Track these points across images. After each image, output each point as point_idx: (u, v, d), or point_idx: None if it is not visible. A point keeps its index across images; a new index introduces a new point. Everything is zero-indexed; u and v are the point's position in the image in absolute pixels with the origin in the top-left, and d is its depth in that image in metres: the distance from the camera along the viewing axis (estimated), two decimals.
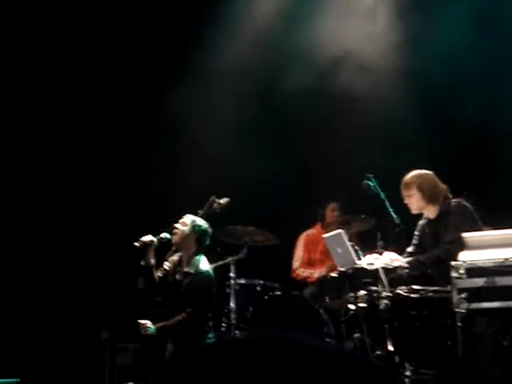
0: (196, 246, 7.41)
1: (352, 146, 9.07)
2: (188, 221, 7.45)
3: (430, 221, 6.93)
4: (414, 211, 6.94)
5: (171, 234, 7.48)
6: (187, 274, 7.33)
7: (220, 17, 9.51)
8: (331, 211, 8.84)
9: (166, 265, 7.54)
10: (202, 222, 7.49)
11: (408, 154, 8.66)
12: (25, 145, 9.75)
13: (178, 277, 7.39)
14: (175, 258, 7.56)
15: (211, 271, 7.40)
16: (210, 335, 7.31)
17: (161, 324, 7.24)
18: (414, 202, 6.86)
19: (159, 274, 7.48)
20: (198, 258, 7.37)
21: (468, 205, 6.76)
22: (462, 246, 5.98)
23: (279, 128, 9.54)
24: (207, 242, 7.47)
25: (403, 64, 9.08)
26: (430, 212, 6.88)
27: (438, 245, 6.71)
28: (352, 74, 9.12)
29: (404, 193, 6.90)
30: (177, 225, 7.45)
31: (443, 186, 6.88)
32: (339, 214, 8.72)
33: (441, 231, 6.76)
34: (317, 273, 8.51)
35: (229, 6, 9.56)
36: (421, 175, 6.88)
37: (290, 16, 9.40)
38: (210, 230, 7.48)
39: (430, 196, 6.81)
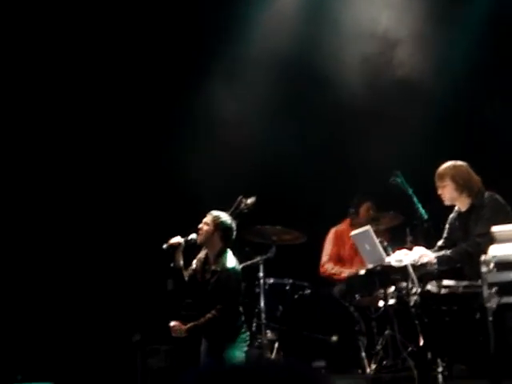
0: (221, 244, 7.37)
1: (382, 140, 9.03)
2: (211, 219, 7.43)
3: (460, 214, 6.89)
4: (447, 202, 6.91)
5: (198, 234, 7.48)
6: (214, 272, 7.31)
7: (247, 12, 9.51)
8: (366, 210, 8.78)
9: (194, 263, 7.54)
10: (225, 218, 7.43)
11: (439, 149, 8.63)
12: (38, 141, 9.77)
13: (206, 276, 7.39)
14: (201, 255, 7.54)
15: (238, 267, 7.35)
16: (243, 331, 7.29)
17: (191, 324, 7.24)
18: (447, 192, 6.83)
19: (188, 274, 7.48)
20: (224, 255, 7.34)
21: (501, 199, 6.70)
22: (492, 240, 5.92)
23: (309, 121, 9.50)
24: (233, 238, 7.42)
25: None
26: (463, 204, 6.84)
27: (468, 238, 6.66)
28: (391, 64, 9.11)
29: (438, 183, 6.87)
30: (201, 224, 7.44)
31: (477, 178, 6.83)
32: (373, 213, 8.67)
33: (471, 224, 6.71)
34: (346, 272, 8.47)
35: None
36: (455, 166, 6.85)
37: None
38: (234, 226, 7.41)
39: (463, 187, 6.78)
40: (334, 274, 8.71)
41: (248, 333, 7.33)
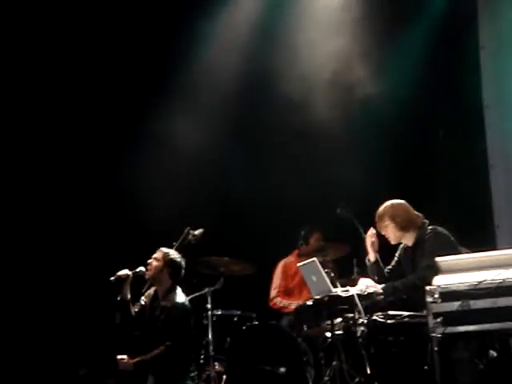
0: (170, 281, 7.39)
1: (328, 170, 9.07)
2: (161, 255, 7.43)
3: (406, 249, 6.96)
4: (393, 242, 6.99)
5: (147, 268, 7.45)
6: (164, 309, 7.29)
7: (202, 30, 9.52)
8: (316, 240, 8.83)
9: (143, 299, 7.51)
10: (175, 256, 7.46)
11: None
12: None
13: (155, 312, 7.35)
14: (151, 291, 7.53)
15: (187, 303, 7.36)
16: (192, 369, 7.28)
17: (139, 359, 7.20)
18: (390, 232, 6.92)
19: (136, 308, 7.44)
20: (173, 291, 7.33)
21: (444, 231, 6.78)
22: (437, 271, 5.99)
23: (254, 152, 9.51)
24: (181, 275, 7.43)
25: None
26: (408, 240, 6.92)
27: (416, 271, 6.72)
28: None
29: (379, 225, 6.95)
30: (150, 260, 7.44)
31: (416, 214, 6.91)
32: (322, 243, 8.71)
33: (418, 258, 6.78)
34: (294, 304, 8.48)
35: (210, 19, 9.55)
36: (392, 205, 6.94)
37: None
38: (183, 264, 7.45)
39: (403, 225, 6.85)
40: (283, 308, 8.74)
41: (196, 372, 7.34)
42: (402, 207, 6.93)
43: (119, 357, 7.24)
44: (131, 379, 7.32)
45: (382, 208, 6.96)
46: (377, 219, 6.96)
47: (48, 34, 9.54)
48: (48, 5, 9.51)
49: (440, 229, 6.79)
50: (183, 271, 7.43)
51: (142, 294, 7.58)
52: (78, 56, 9.61)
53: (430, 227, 6.83)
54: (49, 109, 9.69)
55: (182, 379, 7.20)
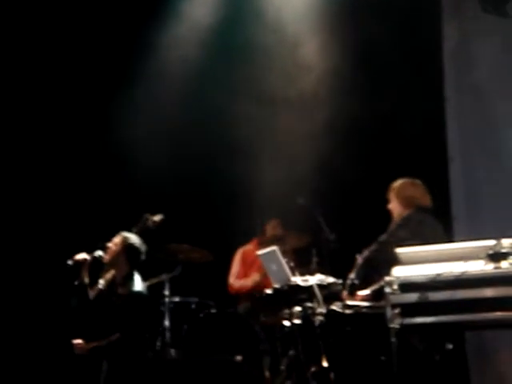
0: (128, 266, 7.31)
1: (289, 159, 9.05)
2: (120, 240, 7.36)
3: None
4: (395, 216, 7.03)
5: (105, 251, 7.39)
6: (120, 296, 7.23)
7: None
8: (273, 228, 8.84)
9: (100, 284, 7.45)
10: (134, 240, 7.38)
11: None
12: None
13: (113, 298, 7.29)
14: (109, 276, 7.46)
15: (145, 291, 7.31)
16: (148, 355, 7.25)
17: (94, 344, 7.15)
18: (393, 207, 7.03)
19: (93, 292, 7.38)
20: (131, 278, 7.27)
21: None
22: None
23: (214, 138, 9.46)
24: (140, 261, 7.37)
25: None
26: None
27: None
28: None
29: (388, 197, 7.08)
30: (109, 243, 7.36)
31: (421, 196, 6.96)
32: (280, 231, 8.72)
33: None
34: (249, 280, 8.50)
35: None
36: (401, 183, 7.07)
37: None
38: (143, 249, 7.38)
39: (404, 203, 6.95)
40: (241, 289, 8.73)
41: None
42: (410, 187, 7.02)
43: (75, 341, 7.19)
44: (86, 364, 7.28)
45: (394, 183, 7.08)
46: (388, 191, 7.09)
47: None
48: None
49: (414, 215, 6.82)
50: (142, 257, 7.35)
51: (100, 278, 7.52)
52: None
53: (417, 212, 6.86)
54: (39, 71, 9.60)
55: (136, 365, 7.17)
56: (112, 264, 7.37)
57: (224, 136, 9.18)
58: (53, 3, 9.48)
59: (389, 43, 8.76)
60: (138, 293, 7.21)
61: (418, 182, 7.08)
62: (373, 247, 6.67)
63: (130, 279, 7.26)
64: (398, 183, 7.08)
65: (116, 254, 7.31)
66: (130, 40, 9.48)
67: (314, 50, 9.06)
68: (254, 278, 8.61)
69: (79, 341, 7.18)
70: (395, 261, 5.94)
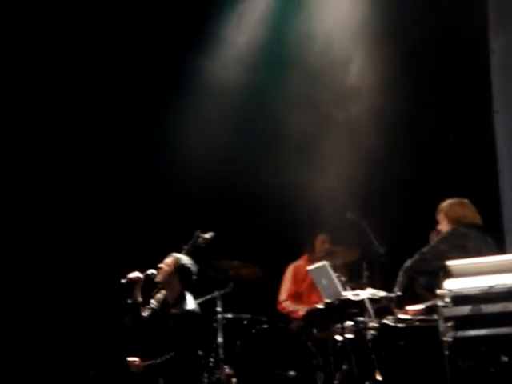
0: (181, 286, 7.38)
1: (335, 175, 9.05)
2: (172, 261, 7.43)
3: None
4: None
5: (157, 271, 7.46)
6: (174, 316, 7.29)
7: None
8: (321, 243, 8.85)
9: (153, 303, 7.51)
10: (186, 261, 7.45)
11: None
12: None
13: (166, 318, 7.36)
14: (161, 296, 7.52)
15: (198, 309, 7.37)
16: (204, 373, 7.31)
17: (150, 362, 7.21)
18: (442, 226, 6.99)
19: (146, 312, 7.45)
20: (183, 297, 7.33)
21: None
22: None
23: (264, 154, 9.51)
24: (192, 282, 7.45)
25: None
26: None
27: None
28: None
29: (437, 217, 7.07)
30: (161, 265, 7.43)
31: (470, 215, 6.94)
32: (327, 247, 8.72)
33: None
34: (302, 310, 8.50)
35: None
36: (450, 203, 7.04)
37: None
38: (195, 269, 7.45)
39: (453, 222, 6.91)
40: (292, 312, 8.75)
41: (206, 375, 7.38)
42: (458, 206, 6.99)
43: (130, 359, 7.25)
44: (141, 382, 7.34)
45: (442, 203, 7.05)
46: (436, 212, 7.07)
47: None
48: None
49: (456, 230, 6.80)
50: (194, 277, 7.43)
51: (152, 297, 7.59)
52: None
53: (462, 227, 6.85)
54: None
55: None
56: (164, 284, 7.44)
57: (274, 151, 9.23)
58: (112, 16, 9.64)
59: (435, 56, 8.76)
60: (191, 311, 7.27)
61: (466, 201, 7.04)
62: (414, 258, 6.68)
63: (183, 299, 7.33)
64: (446, 204, 7.04)
65: (168, 275, 7.37)
66: (180, 60, 9.61)
67: (363, 64, 9.08)
68: (302, 311, 8.56)
69: (134, 358, 7.25)
70: (435, 272, 5.93)
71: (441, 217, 7.03)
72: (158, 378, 7.22)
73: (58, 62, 9.71)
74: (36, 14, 9.59)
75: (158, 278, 7.42)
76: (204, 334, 7.45)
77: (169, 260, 7.44)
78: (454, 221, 6.92)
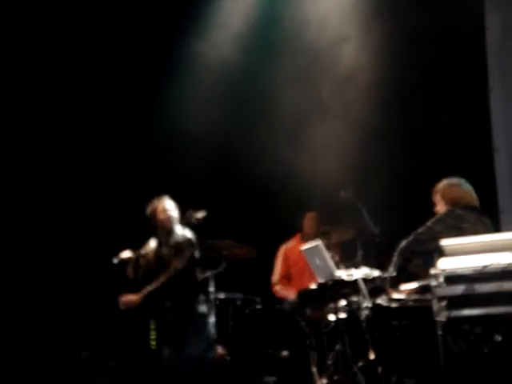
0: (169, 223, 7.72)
1: (333, 153, 9.01)
2: (172, 205, 7.72)
3: None
4: None
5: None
6: (172, 246, 7.55)
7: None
8: (309, 220, 8.82)
9: (144, 250, 7.62)
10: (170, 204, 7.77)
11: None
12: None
13: (163, 253, 7.48)
14: (152, 244, 7.59)
15: (192, 236, 7.66)
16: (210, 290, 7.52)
17: (145, 290, 7.25)
18: (439, 207, 6.92)
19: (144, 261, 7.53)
20: (176, 229, 7.63)
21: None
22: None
23: (256, 133, 9.45)
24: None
25: None
26: None
27: None
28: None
29: (433, 198, 6.99)
30: (167, 212, 7.56)
31: (466, 195, 6.87)
32: (317, 224, 8.70)
33: None
34: (292, 294, 8.48)
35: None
36: (446, 184, 6.93)
37: None
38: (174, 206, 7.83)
39: (451, 203, 6.83)
40: (285, 297, 8.73)
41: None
42: (455, 187, 6.89)
43: (122, 298, 7.31)
44: (134, 361, 7.34)
45: (439, 184, 6.95)
46: (433, 193, 6.98)
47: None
48: None
49: (460, 212, 6.72)
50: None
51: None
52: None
53: (458, 209, 6.78)
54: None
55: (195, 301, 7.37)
56: (173, 228, 7.64)
57: (266, 130, 9.18)
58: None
59: (430, 35, 8.69)
60: (186, 236, 7.59)
61: (462, 181, 6.95)
62: (408, 239, 6.63)
63: (176, 230, 7.61)
64: (442, 185, 6.94)
65: (176, 219, 7.66)
66: (173, 43, 9.57)
67: (357, 43, 9.03)
68: (292, 295, 8.55)
69: (126, 295, 7.30)
70: (429, 253, 5.89)
71: (437, 198, 6.95)
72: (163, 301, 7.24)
73: (53, 51, 9.68)
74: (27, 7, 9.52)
75: (168, 225, 7.70)
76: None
77: (168, 206, 7.73)
78: (451, 202, 6.85)
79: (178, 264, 7.33)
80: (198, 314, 7.49)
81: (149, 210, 7.65)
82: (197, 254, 7.65)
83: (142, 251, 7.68)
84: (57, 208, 9.70)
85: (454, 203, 6.84)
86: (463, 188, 6.91)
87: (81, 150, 9.79)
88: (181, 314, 7.35)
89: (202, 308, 7.59)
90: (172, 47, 9.59)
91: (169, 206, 7.74)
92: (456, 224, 6.66)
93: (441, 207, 6.92)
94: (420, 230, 6.65)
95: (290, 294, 8.61)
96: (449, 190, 6.92)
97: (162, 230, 7.67)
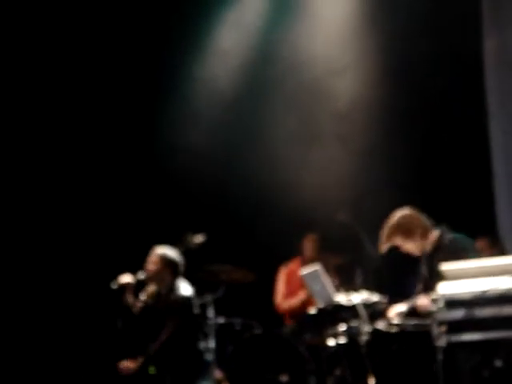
0: (172, 277, 7.37)
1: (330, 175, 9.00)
2: (158, 258, 7.39)
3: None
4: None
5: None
6: (169, 305, 7.29)
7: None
8: (309, 242, 8.80)
9: (143, 297, 7.49)
10: (172, 254, 7.42)
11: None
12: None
13: (161, 310, 7.35)
14: (152, 289, 7.49)
15: (191, 294, 7.41)
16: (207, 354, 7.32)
17: (140, 359, 7.17)
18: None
19: (137, 308, 7.42)
20: (177, 285, 7.37)
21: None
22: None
23: (255, 156, 9.44)
24: (181, 270, 7.46)
25: None
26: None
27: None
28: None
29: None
30: (148, 264, 7.38)
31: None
32: (317, 246, 8.68)
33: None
34: (297, 299, 8.46)
35: None
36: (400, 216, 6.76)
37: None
38: (181, 259, 7.48)
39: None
40: (291, 308, 8.69)
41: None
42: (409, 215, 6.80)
43: (121, 364, 7.21)
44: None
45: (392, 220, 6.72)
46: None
47: None
48: None
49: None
50: (183, 266, 7.46)
51: (142, 293, 7.56)
52: None
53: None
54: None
55: (199, 370, 7.18)
56: (155, 280, 7.40)
57: (265, 153, 9.19)
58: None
59: (429, 53, 8.73)
60: (183, 296, 7.30)
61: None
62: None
63: (177, 287, 7.36)
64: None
65: (158, 272, 7.35)
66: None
67: (356, 72, 9.06)
68: (301, 297, 8.56)
69: (125, 362, 7.20)
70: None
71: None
72: (165, 376, 7.14)
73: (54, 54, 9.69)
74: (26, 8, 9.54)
75: (150, 278, 7.38)
76: (198, 316, 7.42)
77: (154, 258, 7.39)
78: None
79: (167, 332, 7.19)
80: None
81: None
82: (195, 310, 7.44)
83: (146, 294, 7.56)
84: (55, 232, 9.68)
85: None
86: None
87: (83, 168, 9.77)
88: None
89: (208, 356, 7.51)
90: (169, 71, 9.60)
91: (153, 259, 7.49)
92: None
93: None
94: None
95: (295, 301, 8.59)
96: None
97: (164, 281, 7.48)
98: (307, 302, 8.34)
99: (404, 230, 6.62)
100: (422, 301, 6.44)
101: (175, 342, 7.16)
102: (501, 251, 7.95)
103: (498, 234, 8.53)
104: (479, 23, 8.73)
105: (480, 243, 6.89)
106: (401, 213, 6.69)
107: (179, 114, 9.45)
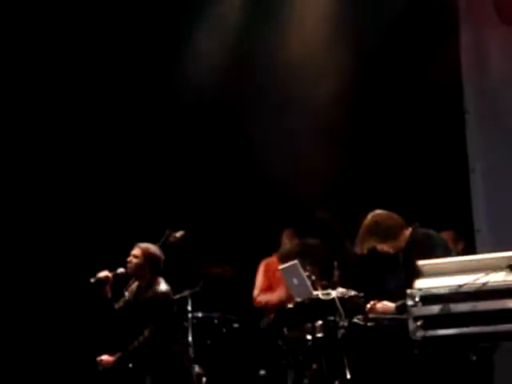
0: (152, 273, 7.38)
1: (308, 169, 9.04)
2: (141, 252, 7.42)
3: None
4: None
5: (126, 265, 7.45)
6: (147, 300, 7.29)
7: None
8: (287, 237, 8.85)
9: (127, 294, 7.51)
10: (154, 250, 7.45)
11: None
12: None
13: (140, 306, 7.36)
14: (134, 287, 7.52)
15: (169, 291, 7.35)
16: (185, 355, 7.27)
17: (119, 354, 7.18)
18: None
19: (121, 303, 7.44)
20: (155, 283, 7.33)
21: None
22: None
23: (234, 148, 9.49)
24: (161, 267, 7.42)
25: None
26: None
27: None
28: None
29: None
30: (130, 257, 7.42)
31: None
32: (293, 240, 8.72)
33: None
34: (275, 296, 8.50)
35: None
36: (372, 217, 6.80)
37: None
38: (163, 256, 7.45)
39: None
40: (267, 303, 8.74)
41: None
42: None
43: (99, 358, 7.22)
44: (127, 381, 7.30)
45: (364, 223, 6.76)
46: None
47: None
48: None
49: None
50: (163, 262, 7.43)
51: (126, 290, 7.57)
52: None
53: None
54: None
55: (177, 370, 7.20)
56: (137, 275, 7.43)
57: (244, 146, 9.24)
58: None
59: (405, 56, 8.79)
60: (163, 292, 7.27)
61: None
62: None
63: (155, 284, 7.32)
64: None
65: (139, 266, 7.36)
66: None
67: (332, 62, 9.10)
68: (279, 294, 8.60)
69: (104, 356, 7.22)
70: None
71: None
72: (145, 376, 7.17)
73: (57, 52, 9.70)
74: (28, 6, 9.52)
75: (130, 271, 7.41)
76: (176, 315, 7.40)
77: (137, 251, 7.42)
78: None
79: (148, 334, 7.21)
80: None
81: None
82: (170, 311, 7.36)
83: (128, 290, 7.59)
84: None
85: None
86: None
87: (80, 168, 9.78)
88: None
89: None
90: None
91: (135, 252, 7.46)
92: None
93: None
94: None
95: (272, 297, 8.63)
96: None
97: (145, 276, 7.47)
98: (286, 300, 8.39)
99: (377, 232, 6.69)
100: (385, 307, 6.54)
101: (153, 340, 7.16)
102: (465, 246, 8.06)
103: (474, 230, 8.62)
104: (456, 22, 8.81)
105: (444, 236, 6.95)
106: (372, 215, 6.76)
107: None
